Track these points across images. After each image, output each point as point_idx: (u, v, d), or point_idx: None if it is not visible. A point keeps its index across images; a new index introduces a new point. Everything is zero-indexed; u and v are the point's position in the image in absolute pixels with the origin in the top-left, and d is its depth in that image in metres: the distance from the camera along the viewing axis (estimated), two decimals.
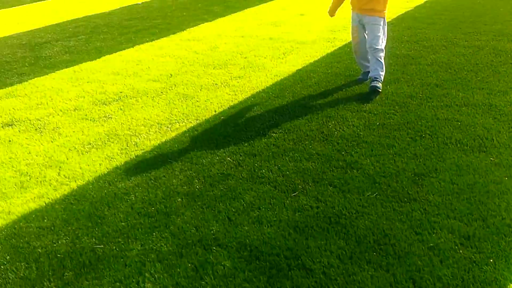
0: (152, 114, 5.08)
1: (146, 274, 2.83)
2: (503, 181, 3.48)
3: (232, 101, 5.32)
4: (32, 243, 3.17)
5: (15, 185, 3.90)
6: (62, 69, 6.87)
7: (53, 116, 5.21)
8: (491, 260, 2.76)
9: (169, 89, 5.79)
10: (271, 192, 3.54)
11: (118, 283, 2.78)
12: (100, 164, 4.12)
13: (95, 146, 4.47)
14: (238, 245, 3.01)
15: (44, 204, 3.60)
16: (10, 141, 4.69)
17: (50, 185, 3.85)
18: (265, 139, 4.34)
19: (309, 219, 3.22)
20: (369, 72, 5.50)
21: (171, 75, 6.31)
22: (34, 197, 3.70)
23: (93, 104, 5.48)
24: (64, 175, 3.99)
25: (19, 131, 4.89)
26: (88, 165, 4.11)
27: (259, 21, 9.09)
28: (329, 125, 4.53)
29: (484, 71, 5.67)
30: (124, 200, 3.57)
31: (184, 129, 4.69)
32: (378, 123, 4.52)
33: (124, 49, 7.72)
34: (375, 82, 5.20)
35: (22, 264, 3.00)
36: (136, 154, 4.25)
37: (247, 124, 4.70)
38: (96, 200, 3.60)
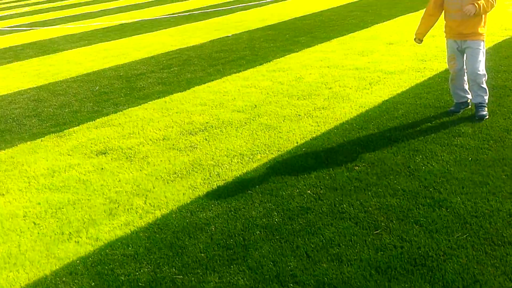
0: (235, 145, 5.15)
1: None
2: None
3: (314, 132, 5.28)
4: (116, 270, 3.28)
5: (104, 211, 4.10)
6: (154, 99, 7.21)
7: (143, 145, 5.45)
8: None
9: (253, 120, 5.87)
10: (352, 229, 3.42)
11: None
12: (183, 194, 4.22)
13: (180, 175, 4.60)
14: (316, 283, 2.92)
15: (130, 232, 3.74)
16: (102, 168, 4.96)
17: (136, 213, 4.00)
18: (347, 173, 4.23)
19: (392, 259, 3.06)
20: (462, 103, 5.29)
21: (255, 105, 6.39)
22: (121, 225, 3.85)
23: (180, 134, 5.67)
24: (150, 203, 4.13)
25: (111, 159, 5.17)
26: (173, 194, 4.24)
27: (345, 51, 9.02)
28: (416, 160, 4.34)
29: None
30: (204, 230, 3.62)
31: (265, 160, 4.71)
32: (470, 159, 4.25)
33: (212, 80, 7.97)
34: (481, 110, 5.08)
35: None
36: (218, 185, 4.32)
37: (329, 156, 4.62)
38: (178, 229, 3.68)
